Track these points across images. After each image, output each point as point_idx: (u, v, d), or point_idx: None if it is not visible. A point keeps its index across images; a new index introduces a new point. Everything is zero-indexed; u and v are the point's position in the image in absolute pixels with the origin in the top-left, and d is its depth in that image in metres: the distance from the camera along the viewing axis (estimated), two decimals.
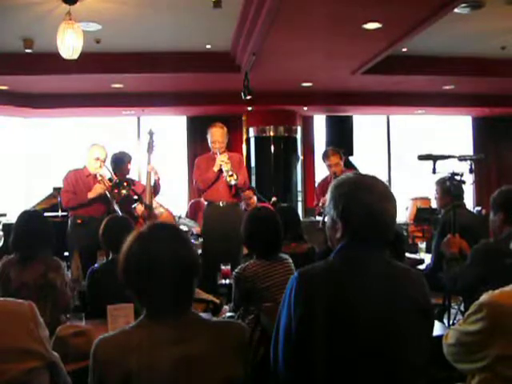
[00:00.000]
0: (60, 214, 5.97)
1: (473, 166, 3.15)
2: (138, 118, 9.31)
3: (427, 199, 8.48)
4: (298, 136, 9.06)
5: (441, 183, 4.33)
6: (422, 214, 7.79)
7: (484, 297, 1.66)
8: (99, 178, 4.99)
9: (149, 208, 5.02)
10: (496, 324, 1.60)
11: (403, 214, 8.82)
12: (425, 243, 5.34)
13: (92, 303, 3.18)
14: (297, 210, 7.54)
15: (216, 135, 5.30)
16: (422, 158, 3.09)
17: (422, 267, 4.47)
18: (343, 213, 1.63)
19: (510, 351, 1.58)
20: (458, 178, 3.12)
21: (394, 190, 9.37)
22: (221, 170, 5.20)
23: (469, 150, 9.68)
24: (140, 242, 1.59)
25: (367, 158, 9.30)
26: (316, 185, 6.80)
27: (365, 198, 1.61)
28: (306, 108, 8.80)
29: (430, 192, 4.85)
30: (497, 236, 2.85)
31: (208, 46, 6.39)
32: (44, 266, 3.06)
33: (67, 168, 5.21)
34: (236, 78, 6.45)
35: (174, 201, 8.00)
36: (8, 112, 8.28)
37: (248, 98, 6.17)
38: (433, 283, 2.06)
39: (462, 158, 3.12)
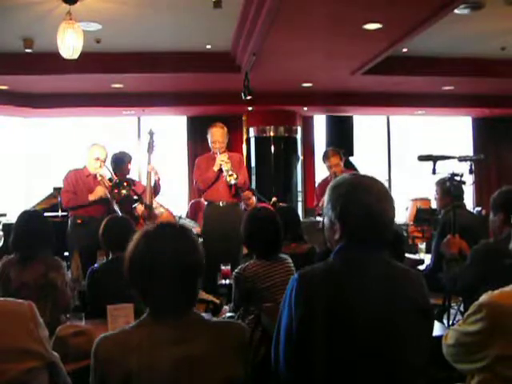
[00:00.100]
0: (60, 214, 5.97)
1: (473, 167, 3.15)
2: (138, 118, 9.30)
3: (427, 200, 8.47)
4: (298, 136, 9.05)
5: (441, 184, 4.33)
6: (422, 215, 7.78)
7: (483, 297, 1.66)
8: (99, 178, 4.99)
9: (149, 208, 5.02)
10: (496, 324, 1.60)
11: (403, 215, 8.82)
12: (425, 244, 5.33)
13: (92, 303, 3.18)
14: (297, 210, 7.54)
15: (216, 135, 5.31)
16: (421, 158, 3.09)
17: (421, 268, 4.47)
18: (341, 214, 1.63)
19: (510, 351, 1.58)
20: (457, 178, 3.13)
21: (394, 190, 9.39)
22: (221, 170, 5.21)
23: (469, 150, 9.67)
24: (146, 240, 1.59)
25: (367, 159, 9.29)
26: (316, 185, 6.80)
27: (363, 199, 1.61)
28: (306, 108, 8.80)
29: (430, 192, 4.85)
30: (497, 236, 2.85)
31: (208, 46, 6.39)
32: (44, 266, 3.06)
33: (67, 168, 5.21)
34: (236, 78, 6.45)
35: (174, 201, 8.00)
36: (8, 112, 8.28)
37: (248, 98, 6.17)
38: (433, 284, 2.07)
39: (461, 159, 3.13)
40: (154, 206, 5.07)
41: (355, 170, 7.52)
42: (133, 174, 5.74)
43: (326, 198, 1.70)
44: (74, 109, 8.15)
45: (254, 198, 6.60)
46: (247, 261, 3.07)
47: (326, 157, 5.75)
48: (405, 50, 6.41)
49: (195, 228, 6.21)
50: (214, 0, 4.44)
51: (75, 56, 4.71)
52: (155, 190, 5.14)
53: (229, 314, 3.08)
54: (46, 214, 5.04)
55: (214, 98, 8.00)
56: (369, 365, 1.53)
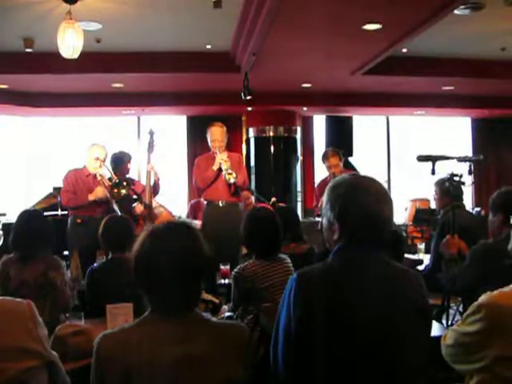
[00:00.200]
0: (60, 213, 5.97)
1: (472, 167, 3.16)
2: (138, 118, 9.31)
3: (426, 200, 8.47)
4: (298, 136, 9.06)
5: (440, 184, 4.33)
6: (421, 215, 7.79)
7: (483, 297, 1.66)
8: (99, 178, 4.99)
9: (148, 208, 5.02)
10: (495, 325, 1.60)
11: (402, 215, 8.82)
12: (424, 244, 5.34)
13: (91, 302, 3.18)
14: (296, 210, 7.54)
15: (216, 134, 5.31)
16: (421, 158, 3.09)
17: (420, 268, 4.47)
18: (340, 214, 1.63)
19: (509, 352, 1.58)
20: (457, 178, 3.13)
21: (394, 190, 9.40)
22: (220, 169, 5.21)
23: (468, 151, 9.68)
24: (152, 238, 1.60)
25: (367, 159, 9.30)
26: (315, 185, 6.80)
27: (362, 200, 1.61)
28: (305, 108, 8.80)
29: (430, 193, 4.85)
30: (496, 237, 2.85)
31: (208, 46, 6.39)
32: (44, 265, 3.06)
33: (67, 168, 5.21)
34: (236, 78, 6.45)
35: (173, 201, 8.00)
36: (8, 111, 8.28)
37: (248, 98, 6.17)
38: (432, 284, 2.07)
39: (461, 159, 3.13)
40: (153, 205, 5.08)
41: (354, 170, 7.52)
42: (132, 174, 5.74)
43: (324, 198, 1.70)
44: (74, 108, 8.15)
45: (252, 198, 6.60)
46: (246, 261, 3.07)
47: (325, 157, 5.76)
48: (405, 50, 6.41)
49: None
50: (214, 0, 4.44)
51: (75, 56, 4.71)
52: (155, 189, 5.14)
53: (228, 314, 3.08)
54: (45, 213, 5.04)
55: (214, 98, 8.00)
56: (368, 365, 1.53)
